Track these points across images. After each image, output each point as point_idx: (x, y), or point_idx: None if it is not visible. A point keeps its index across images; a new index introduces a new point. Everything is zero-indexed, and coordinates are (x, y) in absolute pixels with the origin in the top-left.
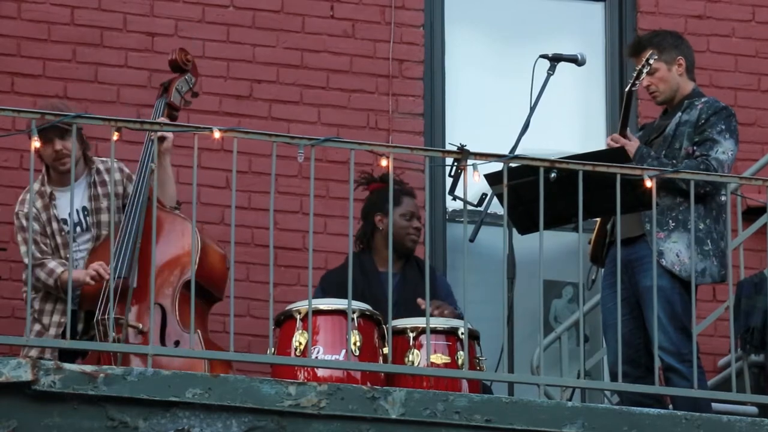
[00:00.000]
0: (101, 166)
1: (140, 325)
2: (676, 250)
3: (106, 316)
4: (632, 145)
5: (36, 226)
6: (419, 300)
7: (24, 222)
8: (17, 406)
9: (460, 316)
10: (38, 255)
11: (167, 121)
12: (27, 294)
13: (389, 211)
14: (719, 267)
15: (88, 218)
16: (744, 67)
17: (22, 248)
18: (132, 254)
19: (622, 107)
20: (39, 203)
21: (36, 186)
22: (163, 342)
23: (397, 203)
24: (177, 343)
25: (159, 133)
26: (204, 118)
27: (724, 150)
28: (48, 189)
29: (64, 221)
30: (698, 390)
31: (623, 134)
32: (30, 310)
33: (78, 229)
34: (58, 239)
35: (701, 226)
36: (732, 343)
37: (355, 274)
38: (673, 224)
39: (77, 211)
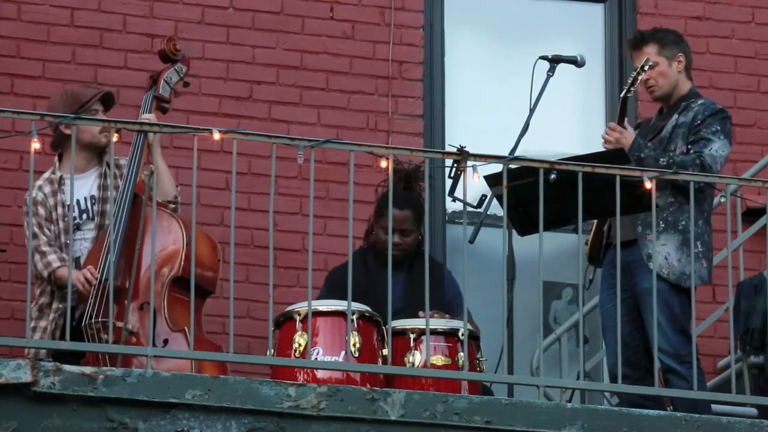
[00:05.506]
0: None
1: (131, 326)
2: (664, 253)
3: (92, 321)
4: (628, 136)
5: (42, 212)
6: (420, 313)
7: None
8: (17, 408)
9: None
10: (44, 239)
11: (156, 120)
12: (27, 293)
13: (388, 213)
14: (708, 270)
15: (94, 207)
16: (743, 69)
17: (27, 233)
18: (116, 256)
19: (618, 112)
20: (47, 189)
21: (46, 174)
22: (152, 342)
23: (380, 215)
24: (166, 342)
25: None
26: (204, 120)
27: (718, 149)
28: (58, 175)
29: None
30: (698, 391)
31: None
32: (30, 311)
33: (84, 216)
34: (61, 225)
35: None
36: (732, 345)
37: (358, 270)
38: (663, 225)
39: (85, 198)
